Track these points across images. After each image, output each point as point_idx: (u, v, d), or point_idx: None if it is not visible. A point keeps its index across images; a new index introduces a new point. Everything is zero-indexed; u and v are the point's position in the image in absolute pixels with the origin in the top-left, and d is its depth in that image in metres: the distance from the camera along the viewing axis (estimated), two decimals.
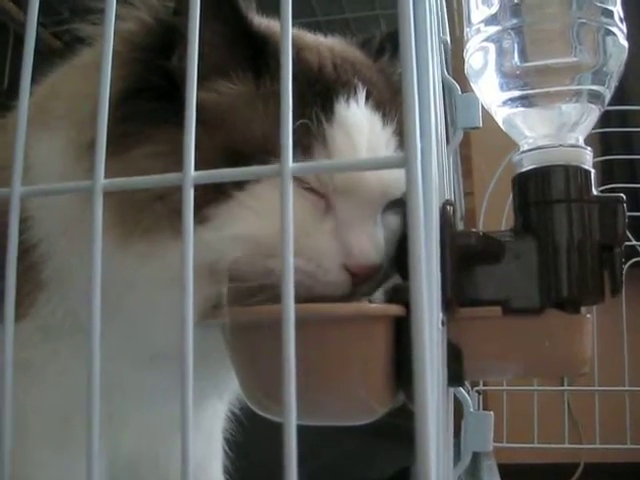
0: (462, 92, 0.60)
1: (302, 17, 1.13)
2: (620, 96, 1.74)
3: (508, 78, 0.52)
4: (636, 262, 1.45)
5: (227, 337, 0.46)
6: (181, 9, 0.50)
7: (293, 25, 0.30)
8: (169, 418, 0.59)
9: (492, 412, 0.59)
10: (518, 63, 0.52)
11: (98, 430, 0.29)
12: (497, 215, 1.22)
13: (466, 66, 0.55)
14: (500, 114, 0.54)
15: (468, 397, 0.59)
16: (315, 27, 0.66)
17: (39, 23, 0.34)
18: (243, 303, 0.47)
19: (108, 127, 0.31)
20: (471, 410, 0.59)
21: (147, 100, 0.51)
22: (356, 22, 1.26)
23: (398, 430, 0.58)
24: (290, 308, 0.27)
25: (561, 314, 0.47)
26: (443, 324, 0.42)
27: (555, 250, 0.47)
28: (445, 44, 0.64)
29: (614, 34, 0.50)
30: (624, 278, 0.49)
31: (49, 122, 0.55)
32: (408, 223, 0.27)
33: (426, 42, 0.30)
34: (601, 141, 1.96)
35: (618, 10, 0.51)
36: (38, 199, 0.53)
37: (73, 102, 0.55)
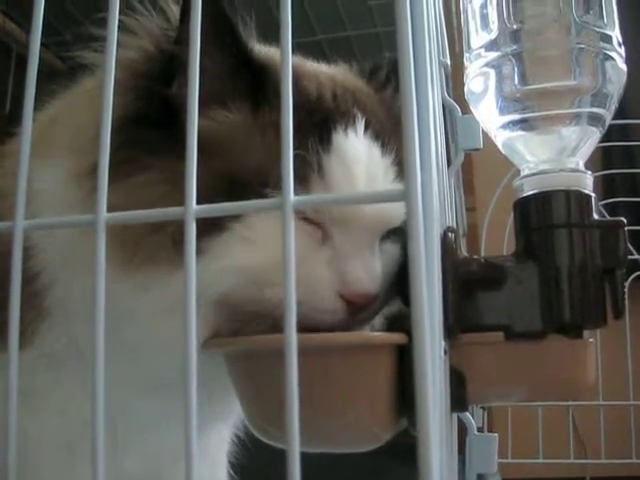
0: (462, 112, 0.61)
1: (302, 37, 1.13)
2: (621, 110, 1.74)
3: (508, 102, 0.53)
4: (638, 276, 1.45)
5: (229, 366, 0.46)
6: (182, 38, 0.50)
7: (293, 48, 0.30)
8: (174, 444, 0.58)
9: (496, 434, 0.59)
10: (518, 86, 0.52)
11: (103, 457, 0.29)
12: (500, 231, 1.22)
13: (466, 91, 0.56)
14: (500, 137, 0.54)
15: (472, 419, 0.59)
16: (316, 46, 0.65)
17: (41, 44, 0.34)
18: (239, 332, 0.47)
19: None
20: (475, 432, 0.59)
21: (146, 128, 0.51)
22: (357, 40, 1.25)
23: (401, 448, 0.58)
24: (292, 337, 0.27)
25: (564, 339, 0.47)
26: (445, 352, 0.42)
27: (557, 275, 0.47)
28: (445, 67, 0.64)
29: (613, 59, 0.51)
30: (627, 292, 0.49)
31: (51, 150, 0.55)
32: (409, 255, 0.27)
33: (425, 70, 0.30)
34: (603, 155, 1.96)
35: (617, 35, 0.51)
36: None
37: (74, 129, 0.55)
